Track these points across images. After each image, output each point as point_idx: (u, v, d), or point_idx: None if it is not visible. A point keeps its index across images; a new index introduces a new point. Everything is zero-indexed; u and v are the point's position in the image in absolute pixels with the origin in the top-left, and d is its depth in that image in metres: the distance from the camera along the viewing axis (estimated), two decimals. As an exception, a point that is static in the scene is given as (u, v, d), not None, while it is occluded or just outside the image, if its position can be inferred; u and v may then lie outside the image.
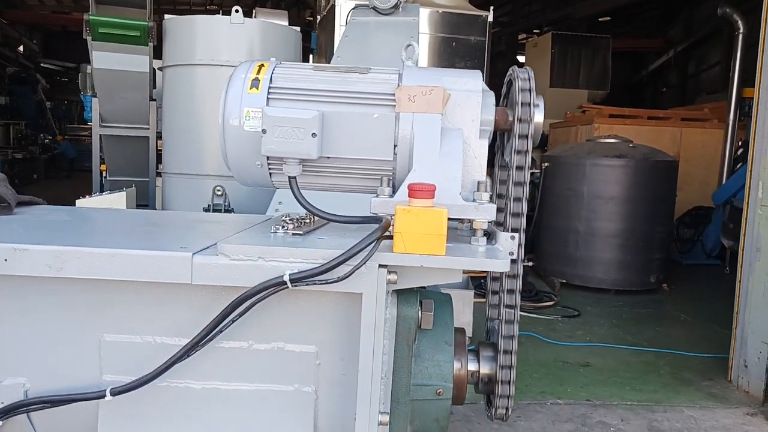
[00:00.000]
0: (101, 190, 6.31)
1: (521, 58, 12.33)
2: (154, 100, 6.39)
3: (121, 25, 5.59)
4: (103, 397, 1.24)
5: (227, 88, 1.39)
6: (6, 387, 1.30)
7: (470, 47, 6.01)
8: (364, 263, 1.16)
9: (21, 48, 17.64)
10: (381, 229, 1.20)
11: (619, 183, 6.30)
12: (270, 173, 1.41)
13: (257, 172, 1.41)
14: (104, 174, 6.89)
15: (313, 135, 1.31)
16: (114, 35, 5.57)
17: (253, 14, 6.13)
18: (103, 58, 5.69)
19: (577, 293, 6.53)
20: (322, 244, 1.27)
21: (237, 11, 5.36)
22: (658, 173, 6.36)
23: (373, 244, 1.17)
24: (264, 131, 1.30)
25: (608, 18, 12.73)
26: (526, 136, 1.38)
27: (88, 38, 5.57)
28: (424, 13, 6.20)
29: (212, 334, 1.21)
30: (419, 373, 1.38)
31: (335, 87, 1.38)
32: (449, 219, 1.34)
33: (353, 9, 4.41)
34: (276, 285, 1.17)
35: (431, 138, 1.35)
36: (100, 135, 6.59)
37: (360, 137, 1.37)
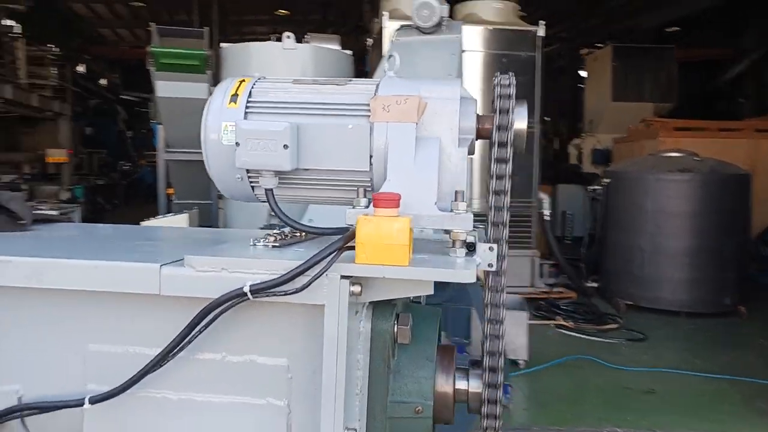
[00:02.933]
0: (168, 213, 6.60)
1: (583, 74, 12.01)
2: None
3: (181, 55, 5.89)
4: (82, 405, 1.27)
5: (209, 103, 1.42)
6: (1, 393, 1.36)
7: (521, 63, 5.92)
8: (322, 274, 1.15)
9: (104, 81, 18.93)
10: (343, 240, 1.17)
11: (684, 198, 5.99)
12: (251, 186, 1.42)
13: (239, 186, 1.43)
14: (172, 197, 7.22)
15: (285, 147, 1.31)
16: (175, 65, 5.86)
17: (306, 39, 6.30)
18: (166, 87, 6.00)
19: (644, 315, 6.20)
20: (291, 256, 1.26)
21: (288, 37, 5.52)
22: (728, 187, 5.99)
23: (333, 254, 1.15)
24: (237, 144, 1.32)
25: (677, 28, 12.21)
26: (505, 144, 1.32)
27: (152, 68, 5.90)
28: (476, 30, 6.18)
29: (180, 346, 1.22)
30: (398, 390, 1.34)
31: (311, 99, 1.38)
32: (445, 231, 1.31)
33: (397, 30, 4.46)
34: (237, 296, 1.17)
35: (405, 147, 1.33)
36: (166, 160, 6.91)
37: (335, 148, 1.36)
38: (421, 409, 1.33)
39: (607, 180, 6.78)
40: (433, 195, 1.31)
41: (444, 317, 5.75)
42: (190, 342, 1.22)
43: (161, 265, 1.22)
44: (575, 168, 10.60)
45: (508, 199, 1.33)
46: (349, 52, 6.12)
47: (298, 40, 5.61)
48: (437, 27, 4.30)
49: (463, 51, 3.24)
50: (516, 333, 4.88)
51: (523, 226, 6.44)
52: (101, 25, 16.76)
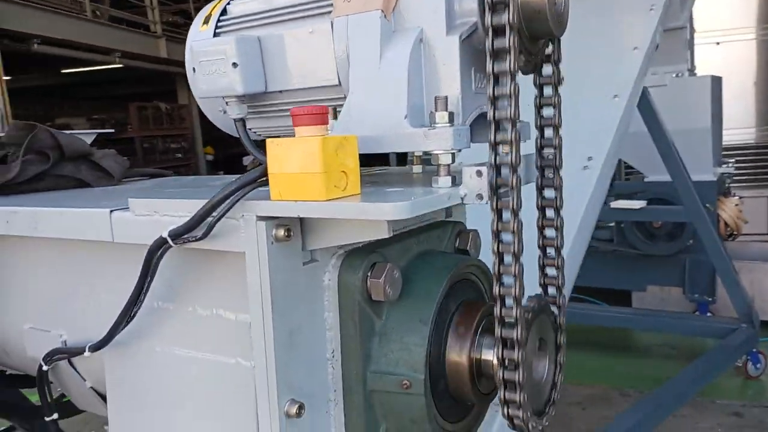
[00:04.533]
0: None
1: None
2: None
3: None
4: (83, 353, 1.28)
5: (190, 30, 1.27)
6: (50, 336, 1.44)
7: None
8: (222, 216, 0.92)
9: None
10: (259, 172, 0.93)
11: None
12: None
13: (226, 120, 1.26)
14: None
15: (234, 65, 1.10)
16: None
17: None
18: None
19: None
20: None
21: None
22: None
23: (240, 190, 0.92)
24: (194, 70, 1.15)
25: None
26: (503, 28, 0.91)
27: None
28: None
29: (139, 298, 1.12)
30: (383, 358, 1.06)
31: (273, 5, 1.14)
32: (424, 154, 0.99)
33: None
34: (161, 243, 1.01)
35: (368, 45, 1.01)
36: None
37: (299, 62, 1.10)
38: (409, 384, 1.03)
39: None
40: (402, 106, 0.98)
41: (681, 270, 4.93)
42: (145, 293, 1.11)
43: (111, 210, 1.12)
44: None
45: (514, 106, 0.92)
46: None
47: None
48: None
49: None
50: (770, 288, 3.91)
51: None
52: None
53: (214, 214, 0.93)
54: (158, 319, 1.22)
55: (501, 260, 0.98)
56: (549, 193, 1.16)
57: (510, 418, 1.04)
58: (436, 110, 0.96)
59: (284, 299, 0.97)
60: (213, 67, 1.12)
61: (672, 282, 5.18)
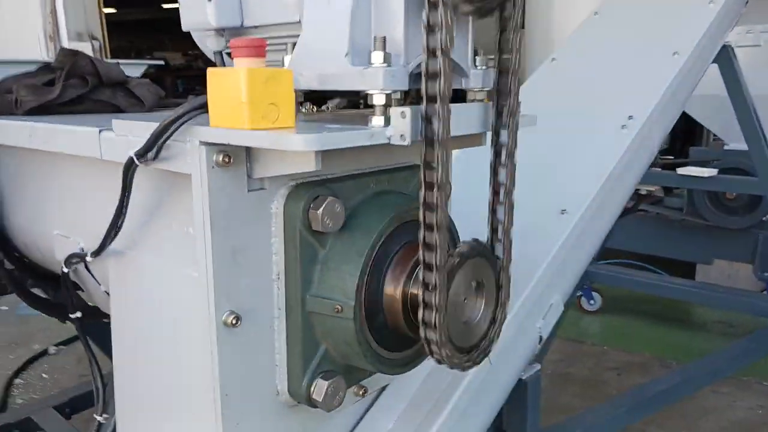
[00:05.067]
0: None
1: None
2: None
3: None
4: (85, 257, 1.44)
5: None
6: (70, 242, 1.63)
7: None
8: (167, 138, 1.02)
9: None
10: (203, 99, 1.01)
11: None
12: (224, 54, 1.33)
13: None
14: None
15: None
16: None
17: None
18: None
19: None
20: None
21: None
22: None
23: (186, 114, 1.00)
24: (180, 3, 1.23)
25: None
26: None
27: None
28: None
29: (122, 210, 1.25)
30: (322, 284, 1.14)
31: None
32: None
33: None
34: (130, 162, 1.12)
35: (318, -17, 1.05)
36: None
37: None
38: (340, 308, 1.11)
39: None
40: (343, 43, 1.02)
41: (753, 246, 4.67)
42: (126, 207, 1.24)
43: (100, 131, 1.25)
44: None
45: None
46: None
47: None
48: None
49: None
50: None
51: None
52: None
53: (165, 137, 1.03)
54: (144, 232, 1.35)
55: (428, 189, 1.01)
56: (504, 137, 1.17)
57: (431, 353, 1.10)
58: (373, 49, 0.99)
59: (226, 220, 1.06)
60: (191, 1, 1.20)
61: (741, 257, 4.89)
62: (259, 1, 1.18)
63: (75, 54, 1.93)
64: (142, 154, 1.08)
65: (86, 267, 1.64)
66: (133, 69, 2.74)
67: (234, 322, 1.09)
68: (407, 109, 0.96)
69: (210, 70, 0.97)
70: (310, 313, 1.15)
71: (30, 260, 2.01)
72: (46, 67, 1.98)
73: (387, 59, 0.99)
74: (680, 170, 4.49)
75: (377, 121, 1.00)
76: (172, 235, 1.29)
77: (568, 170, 2.36)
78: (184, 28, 1.26)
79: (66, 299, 1.70)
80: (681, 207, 5.16)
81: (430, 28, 0.95)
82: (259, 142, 0.93)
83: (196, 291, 1.19)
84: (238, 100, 0.93)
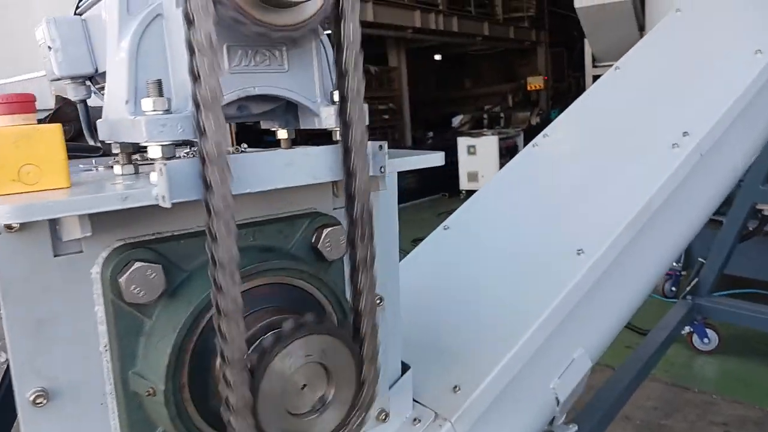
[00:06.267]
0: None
1: None
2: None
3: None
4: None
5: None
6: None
7: None
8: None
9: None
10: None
11: None
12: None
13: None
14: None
15: (49, 48, 1.09)
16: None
17: None
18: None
19: None
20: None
21: None
22: None
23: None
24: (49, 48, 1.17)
25: None
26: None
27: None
28: None
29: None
30: (144, 360, 1.00)
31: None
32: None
33: None
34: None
35: (111, 22, 0.93)
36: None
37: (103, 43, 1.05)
38: (152, 392, 0.96)
39: None
40: (123, 91, 0.89)
41: None
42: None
43: None
44: None
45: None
46: None
47: None
48: None
49: None
50: None
51: None
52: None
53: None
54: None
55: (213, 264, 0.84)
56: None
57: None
58: (147, 95, 0.85)
59: (24, 290, 0.96)
60: (42, 50, 1.13)
61: None
62: (103, 47, 1.08)
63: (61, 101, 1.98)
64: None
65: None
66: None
67: (40, 401, 0.98)
68: (163, 166, 0.80)
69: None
70: (134, 392, 1.01)
71: None
72: None
73: (165, 105, 0.84)
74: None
75: (154, 177, 0.85)
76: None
77: (590, 204, 2.00)
78: (47, 78, 1.20)
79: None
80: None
81: (194, 77, 0.78)
82: (-3, 210, 0.82)
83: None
84: (-30, 158, 0.83)
